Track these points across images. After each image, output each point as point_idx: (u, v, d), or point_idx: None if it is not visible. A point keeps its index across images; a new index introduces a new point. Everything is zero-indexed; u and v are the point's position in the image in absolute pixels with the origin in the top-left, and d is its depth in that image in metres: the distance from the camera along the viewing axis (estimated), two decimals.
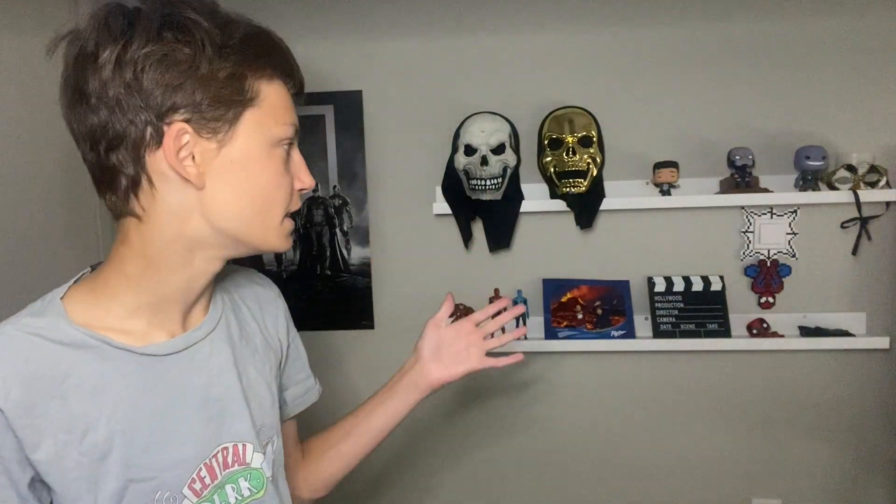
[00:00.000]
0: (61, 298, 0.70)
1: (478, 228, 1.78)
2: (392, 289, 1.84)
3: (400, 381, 0.99)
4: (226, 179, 0.69)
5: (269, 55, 0.71)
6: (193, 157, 0.67)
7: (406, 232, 1.82)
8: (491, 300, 1.76)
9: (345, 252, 1.84)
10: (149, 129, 0.65)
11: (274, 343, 0.90)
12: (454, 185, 1.73)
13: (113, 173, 0.68)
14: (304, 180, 0.77)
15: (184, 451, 0.72)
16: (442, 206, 1.74)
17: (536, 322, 1.76)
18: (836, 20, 1.65)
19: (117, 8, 0.66)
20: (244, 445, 0.78)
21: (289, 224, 0.77)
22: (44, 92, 1.62)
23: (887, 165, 1.63)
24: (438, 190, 1.77)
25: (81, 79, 0.65)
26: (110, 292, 0.71)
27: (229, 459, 0.77)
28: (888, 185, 1.61)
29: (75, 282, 0.73)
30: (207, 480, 0.74)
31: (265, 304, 0.91)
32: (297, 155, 0.77)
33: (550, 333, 1.73)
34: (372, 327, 1.85)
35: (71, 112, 0.67)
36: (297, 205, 0.78)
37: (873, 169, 1.61)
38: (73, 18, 1.70)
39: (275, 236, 0.75)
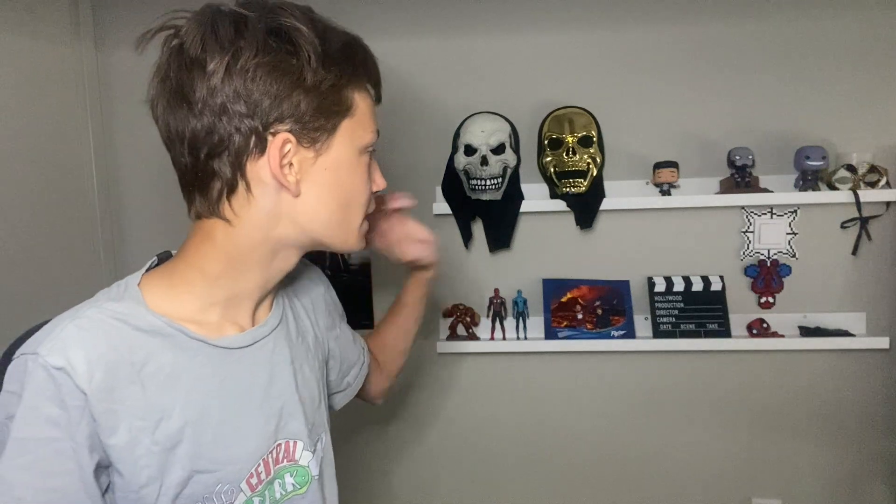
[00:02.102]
0: (137, 285, 0.70)
1: (478, 228, 1.78)
2: (392, 289, 1.84)
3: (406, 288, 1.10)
4: (319, 186, 0.72)
5: (365, 65, 0.76)
6: (291, 165, 0.69)
7: None
8: (491, 300, 1.77)
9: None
10: (253, 137, 0.66)
11: (322, 339, 0.92)
12: (454, 185, 1.73)
13: (208, 178, 0.68)
14: (379, 182, 0.82)
15: (247, 446, 0.74)
16: (442, 206, 1.74)
17: (536, 322, 1.76)
18: (837, 20, 1.65)
19: (222, 14, 0.66)
20: (295, 443, 0.80)
21: (366, 224, 0.81)
22: (44, 92, 1.62)
23: (887, 165, 1.63)
24: (438, 190, 1.77)
25: (186, 83, 0.65)
26: (187, 286, 0.71)
27: (280, 455, 0.78)
28: (888, 185, 1.61)
29: (146, 270, 0.73)
30: (263, 475, 0.75)
31: (317, 300, 0.93)
32: (373, 158, 0.81)
33: (550, 333, 1.73)
34: (372, 327, 1.84)
35: (170, 114, 0.67)
36: (374, 206, 0.82)
37: (873, 169, 1.61)
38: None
39: (354, 237, 0.79)
